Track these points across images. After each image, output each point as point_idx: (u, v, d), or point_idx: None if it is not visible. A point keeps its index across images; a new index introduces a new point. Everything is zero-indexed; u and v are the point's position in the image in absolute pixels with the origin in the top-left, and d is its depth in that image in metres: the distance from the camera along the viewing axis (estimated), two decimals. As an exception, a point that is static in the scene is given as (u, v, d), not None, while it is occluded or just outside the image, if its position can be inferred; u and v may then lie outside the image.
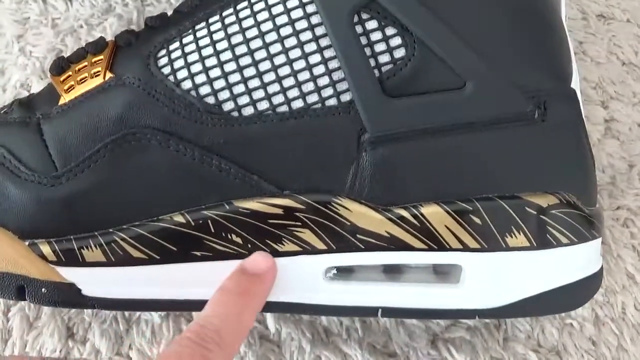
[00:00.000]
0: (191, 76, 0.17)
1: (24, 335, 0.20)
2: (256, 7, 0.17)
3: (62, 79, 0.19)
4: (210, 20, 0.18)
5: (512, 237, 0.17)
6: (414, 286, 0.18)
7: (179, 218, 0.17)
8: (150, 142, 0.17)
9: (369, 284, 0.18)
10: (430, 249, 0.17)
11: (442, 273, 0.18)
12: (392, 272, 0.18)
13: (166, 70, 0.17)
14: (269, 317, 0.21)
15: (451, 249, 0.17)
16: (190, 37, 0.18)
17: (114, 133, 0.17)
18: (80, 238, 0.17)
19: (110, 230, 0.17)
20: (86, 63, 0.19)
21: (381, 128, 0.17)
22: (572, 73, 0.18)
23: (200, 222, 0.17)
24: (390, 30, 0.17)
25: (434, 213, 0.17)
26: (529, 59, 0.17)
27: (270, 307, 0.18)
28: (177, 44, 0.18)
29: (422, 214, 0.17)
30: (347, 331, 0.21)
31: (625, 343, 0.21)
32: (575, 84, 0.18)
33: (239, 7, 0.18)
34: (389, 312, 0.18)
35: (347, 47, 0.17)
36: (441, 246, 0.17)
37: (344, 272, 0.18)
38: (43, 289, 0.17)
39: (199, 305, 0.17)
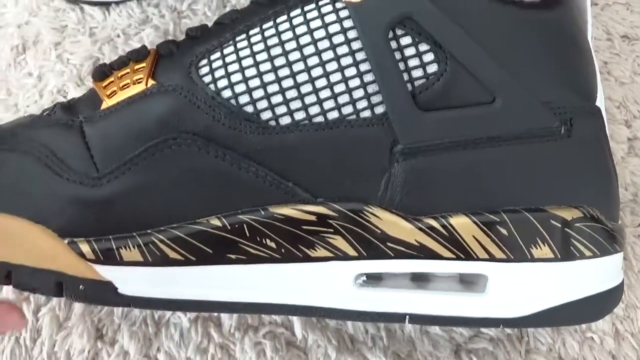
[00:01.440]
0: (231, 85, 0.18)
1: (53, 335, 0.21)
2: (295, 21, 0.18)
3: (104, 84, 0.19)
4: (251, 32, 0.19)
5: (537, 248, 0.18)
6: (440, 294, 0.18)
7: (216, 222, 0.17)
8: (191, 147, 0.17)
9: (397, 291, 0.18)
10: (458, 259, 0.18)
11: (468, 282, 0.19)
12: (420, 280, 0.19)
13: (207, 79, 0.18)
14: (296, 324, 0.21)
15: (478, 259, 0.18)
16: (231, 48, 0.18)
17: (156, 137, 0.18)
18: (118, 238, 0.17)
19: (149, 231, 0.17)
20: (128, 70, 0.19)
21: (413, 140, 0.17)
22: (597, 91, 0.19)
23: (237, 226, 0.17)
24: (423, 47, 0.17)
25: (462, 224, 0.17)
26: (556, 76, 0.18)
27: (299, 310, 0.18)
28: (218, 54, 0.18)
29: (450, 225, 0.17)
30: (372, 339, 0.21)
31: (645, 358, 0.21)
32: (600, 102, 0.19)
33: (278, 20, 0.18)
34: (416, 319, 0.19)
35: (382, 61, 0.17)
36: (468, 256, 0.17)
37: (373, 279, 0.18)
38: (81, 286, 0.17)
39: (229, 307, 0.18)
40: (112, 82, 0.19)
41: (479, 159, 0.18)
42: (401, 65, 0.17)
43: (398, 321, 0.18)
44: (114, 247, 0.17)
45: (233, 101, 0.18)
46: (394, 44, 0.17)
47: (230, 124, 0.18)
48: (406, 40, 0.17)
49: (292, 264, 0.18)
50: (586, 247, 0.18)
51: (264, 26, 0.18)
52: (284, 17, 0.18)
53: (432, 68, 0.17)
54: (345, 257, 0.18)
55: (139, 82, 0.18)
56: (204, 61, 0.18)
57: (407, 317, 0.18)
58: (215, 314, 0.21)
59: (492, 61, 0.17)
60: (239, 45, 0.18)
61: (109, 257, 0.17)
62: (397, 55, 0.17)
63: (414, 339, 0.21)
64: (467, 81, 0.17)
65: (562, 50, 0.18)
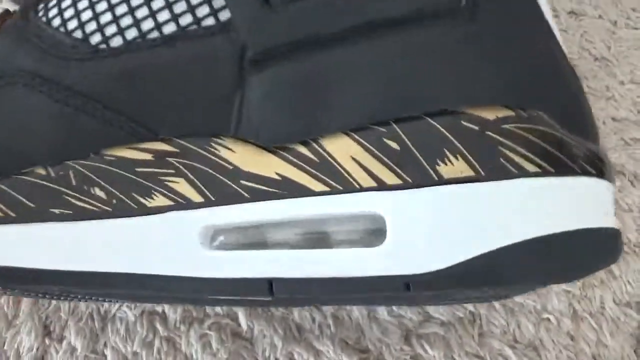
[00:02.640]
0: (60, 12, 0.16)
1: (2, 333, 0.21)
2: None
3: None
4: None
5: (446, 164, 0.12)
6: (326, 250, 0.13)
7: (40, 170, 0.15)
8: (16, 85, 0.15)
9: (258, 249, 0.14)
10: (334, 192, 0.13)
11: (371, 233, 0.13)
12: (307, 243, 0.14)
13: (41, 12, 0.16)
14: (241, 315, 0.21)
15: (362, 189, 0.12)
16: None
17: None
18: None
19: None
20: None
21: (263, 40, 0.14)
22: None
23: (61, 173, 0.15)
24: None
25: (338, 142, 0.13)
26: None
27: (134, 282, 0.14)
28: None
29: (321, 146, 0.13)
30: (319, 327, 0.21)
31: (605, 338, 0.21)
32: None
33: None
34: (285, 287, 0.13)
35: None
36: (348, 185, 0.12)
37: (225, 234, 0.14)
38: None
39: (51, 276, 0.15)
40: None
41: (353, 58, 0.13)
42: None
43: (262, 294, 0.14)
44: None
45: (62, 29, 0.16)
46: None
47: (57, 53, 0.15)
48: None
49: (125, 220, 0.14)
50: (527, 159, 0.12)
51: None
52: None
53: None
54: (189, 204, 0.14)
55: None
56: (41, 4, 0.16)
57: (273, 285, 0.13)
58: (160, 308, 0.21)
59: None
60: None
61: None
62: None
63: (362, 325, 0.21)
64: None
65: None
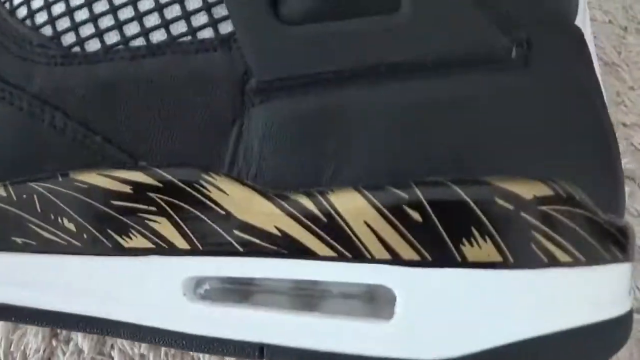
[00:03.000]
0: (27, 2, 0.13)
1: (9, 335, 0.21)
2: None
3: None
4: None
5: (472, 245, 0.11)
6: (316, 317, 0.11)
7: (0, 190, 0.13)
8: None
9: (248, 308, 0.12)
10: (342, 258, 0.11)
11: (374, 300, 0.12)
12: (300, 294, 0.12)
13: None
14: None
15: (373, 260, 0.11)
16: None
17: None
18: None
19: None
20: None
21: (272, 70, 0.11)
22: (577, 7, 0.12)
23: (24, 196, 0.12)
24: None
25: (350, 203, 0.11)
26: None
27: (106, 328, 0.13)
28: None
29: (330, 204, 0.11)
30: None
31: None
32: (581, 21, 0.12)
33: None
34: (279, 353, 0.12)
35: None
36: (358, 255, 0.11)
37: (212, 287, 0.13)
38: None
39: (14, 312, 0.13)
40: None
41: (375, 100, 0.11)
42: None
43: (250, 356, 0.12)
44: None
45: (28, 22, 0.13)
46: None
47: (20, 53, 0.12)
48: None
49: (97, 257, 0.12)
50: (560, 247, 0.11)
51: None
52: None
53: None
54: (172, 250, 0.12)
55: None
56: None
57: (265, 349, 0.12)
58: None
59: None
60: None
61: None
62: None
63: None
64: None
65: None
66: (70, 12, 0.13)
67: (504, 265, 0.11)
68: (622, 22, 0.28)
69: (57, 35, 0.13)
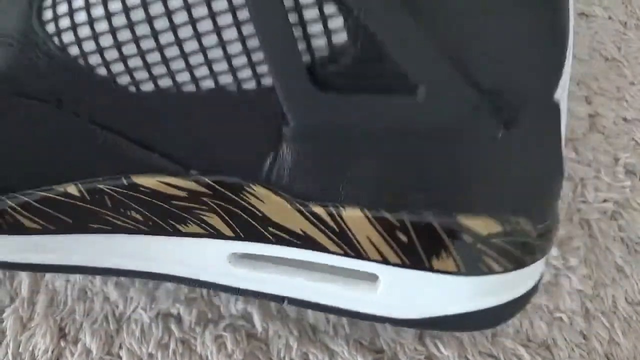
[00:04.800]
0: (79, 42, 0.14)
1: (17, 336, 0.21)
2: None
3: None
4: None
5: (439, 260, 0.15)
6: (323, 284, 0.16)
7: (73, 190, 0.15)
8: (32, 109, 0.14)
9: (275, 274, 0.16)
10: (346, 255, 0.15)
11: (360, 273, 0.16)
12: (304, 265, 0.16)
13: (51, 28, 0.14)
14: (256, 316, 0.21)
15: (369, 259, 0.15)
16: None
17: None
18: None
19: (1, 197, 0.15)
20: None
21: (305, 122, 0.14)
22: (557, 82, 0.14)
23: (96, 196, 0.15)
24: (330, 8, 0.13)
25: (356, 220, 0.15)
26: (502, 60, 0.13)
27: (169, 278, 0.17)
28: None
29: (342, 218, 0.15)
30: (334, 328, 0.21)
31: (617, 337, 0.21)
32: (561, 94, 0.15)
33: None
34: (296, 302, 0.17)
35: (269, 24, 0.13)
36: (359, 254, 0.15)
37: (249, 259, 0.16)
38: None
39: (92, 270, 0.17)
40: None
41: (383, 151, 0.14)
42: (297, 31, 0.13)
43: (277, 301, 0.17)
44: None
45: (81, 61, 0.14)
46: (289, 2, 0.13)
47: (79, 87, 0.14)
48: None
49: (161, 237, 0.16)
50: (498, 263, 0.15)
51: None
52: None
53: (340, 38, 0.13)
54: (220, 235, 0.15)
55: None
56: (48, 1, 0.14)
57: (286, 300, 0.17)
58: (175, 310, 0.21)
59: (421, 36, 0.13)
60: None
61: None
62: (293, 18, 0.13)
63: (376, 325, 0.21)
64: (384, 60, 0.13)
65: (517, 26, 0.13)
66: (124, 59, 0.14)
67: (457, 273, 0.15)
68: (622, 17, 0.28)
69: (113, 76, 0.14)
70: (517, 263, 0.16)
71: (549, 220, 0.16)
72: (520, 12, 0.13)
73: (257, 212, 0.15)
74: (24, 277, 0.22)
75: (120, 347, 0.21)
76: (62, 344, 0.21)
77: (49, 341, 0.21)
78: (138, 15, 0.13)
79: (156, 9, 0.13)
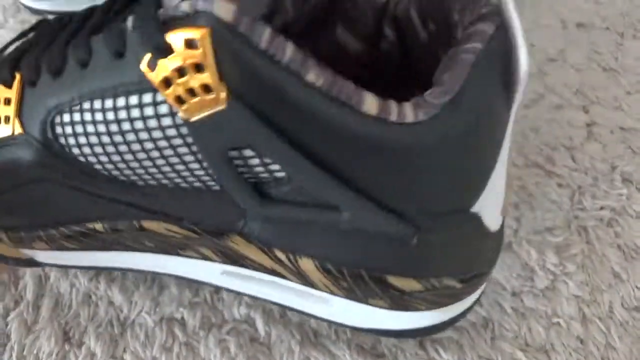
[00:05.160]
0: (93, 153, 0.17)
1: (22, 339, 0.21)
2: (132, 112, 0.16)
3: None
4: (106, 104, 0.17)
5: (374, 300, 0.19)
6: (292, 294, 0.20)
7: (99, 226, 0.20)
8: (56, 187, 0.19)
9: (257, 285, 0.21)
10: (303, 284, 0.20)
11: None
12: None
13: (62, 140, 0.18)
14: (259, 320, 0.21)
15: (320, 290, 0.20)
16: (85, 115, 0.17)
17: (23, 180, 0.19)
18: (28, 232, 0.21)
19: (49, 229, 0.21)
20: None
21: (259, 215, 0.18)
22: (478, 196, 0.17)
23: (117, 231, 0.20)
24: (267, 159, 0.16)
25: (309, 267, 0.19)
26: (406, 190, 0.16)
27: (179, 277, 0.21)
28: (68, 117, 0.17)
29: (298, 264, 0.19)
30: (335, 333, 0.21)
31: (614, 341, 0.21)
32: (481, 206, 0.17)
33: (126, 103, 0.16)
34: (278, 305, 0.21)
35: (220, 169, 0.16)
36: (314, 286, 0.20)
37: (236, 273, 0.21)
38: (10, 260, 0.22)
39: (118, 269, 0.22)
40: None
41: (325, 240, 0.18)
42: (244, 169, 0.17)
43: (266, 302, 0.22)
44: (24, 238, 0.21)
45: (98, 166, 0.18)
46: (235, 153, 0.16)
47: (88, 180, 0.18)
48: (249, 152, 0.16)
49: (165, 255, 0.21)
50: (424, 305, 0.19)
51: (115, 104, 0.17)
52: (135, 100, 0.16)
53: (280, 174, 0.16)
54: (210, 259, 0.20)
55: (7, 122, 0.18)
56: (58, 119, 0.17)
57: (270, 302, 0.21)
58: (179, 314, 0.22)
59: (335, 184, 0.16)
60: (95, 117, 0.17)
61: (24, 244, 0.21)
62: (240, 162, 0.16)
63: (377, 330, 0.21)
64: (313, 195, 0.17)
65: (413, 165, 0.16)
66: (130, 168, 0.18)
67: (389, 308, 0.20)
68: (619, 28, 0.29)
69: (125, 176, 0.18)
70: (442, 305, 0.19)
71: (475, 271, 0.19)
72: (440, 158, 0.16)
73: (237, 249, 0.19)
74: (28, 281, 0.23)
75: (125, 351, 0.21)
76: (67, 347, 0.21)
77: (53, 344, 0.21)
78: (131, 137, 0.17)
79: (143, 135, 0.17)
